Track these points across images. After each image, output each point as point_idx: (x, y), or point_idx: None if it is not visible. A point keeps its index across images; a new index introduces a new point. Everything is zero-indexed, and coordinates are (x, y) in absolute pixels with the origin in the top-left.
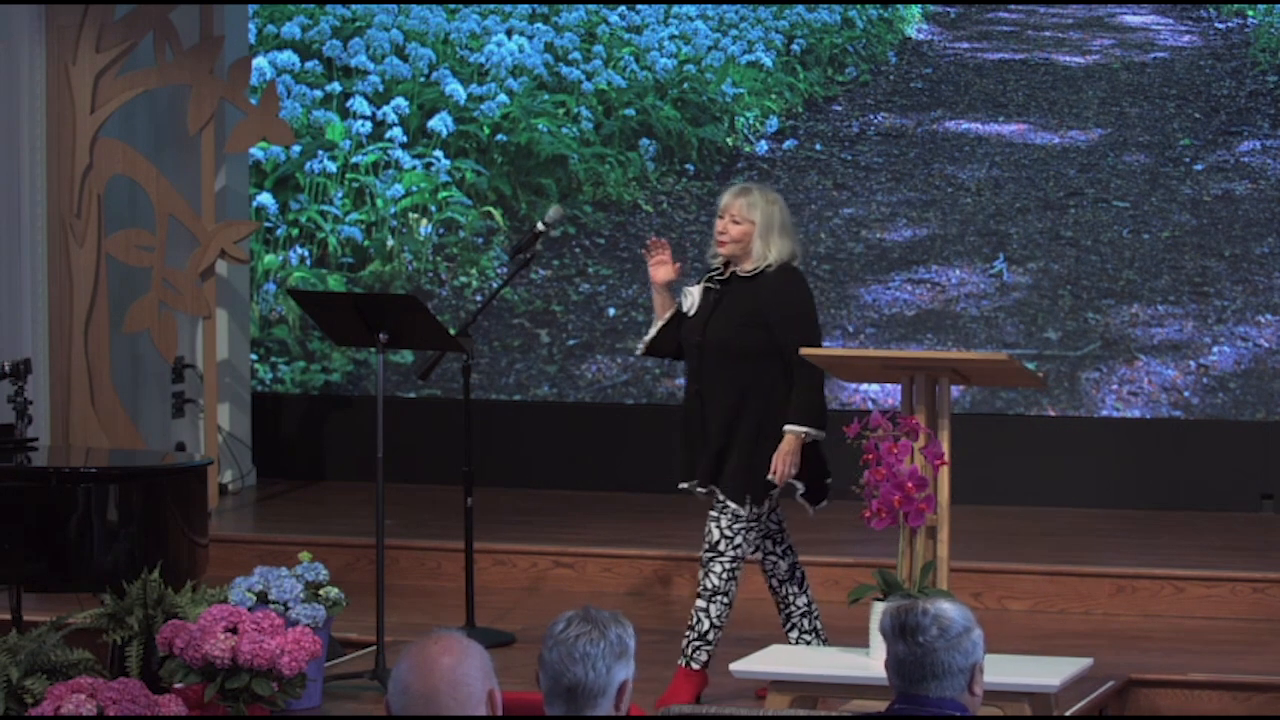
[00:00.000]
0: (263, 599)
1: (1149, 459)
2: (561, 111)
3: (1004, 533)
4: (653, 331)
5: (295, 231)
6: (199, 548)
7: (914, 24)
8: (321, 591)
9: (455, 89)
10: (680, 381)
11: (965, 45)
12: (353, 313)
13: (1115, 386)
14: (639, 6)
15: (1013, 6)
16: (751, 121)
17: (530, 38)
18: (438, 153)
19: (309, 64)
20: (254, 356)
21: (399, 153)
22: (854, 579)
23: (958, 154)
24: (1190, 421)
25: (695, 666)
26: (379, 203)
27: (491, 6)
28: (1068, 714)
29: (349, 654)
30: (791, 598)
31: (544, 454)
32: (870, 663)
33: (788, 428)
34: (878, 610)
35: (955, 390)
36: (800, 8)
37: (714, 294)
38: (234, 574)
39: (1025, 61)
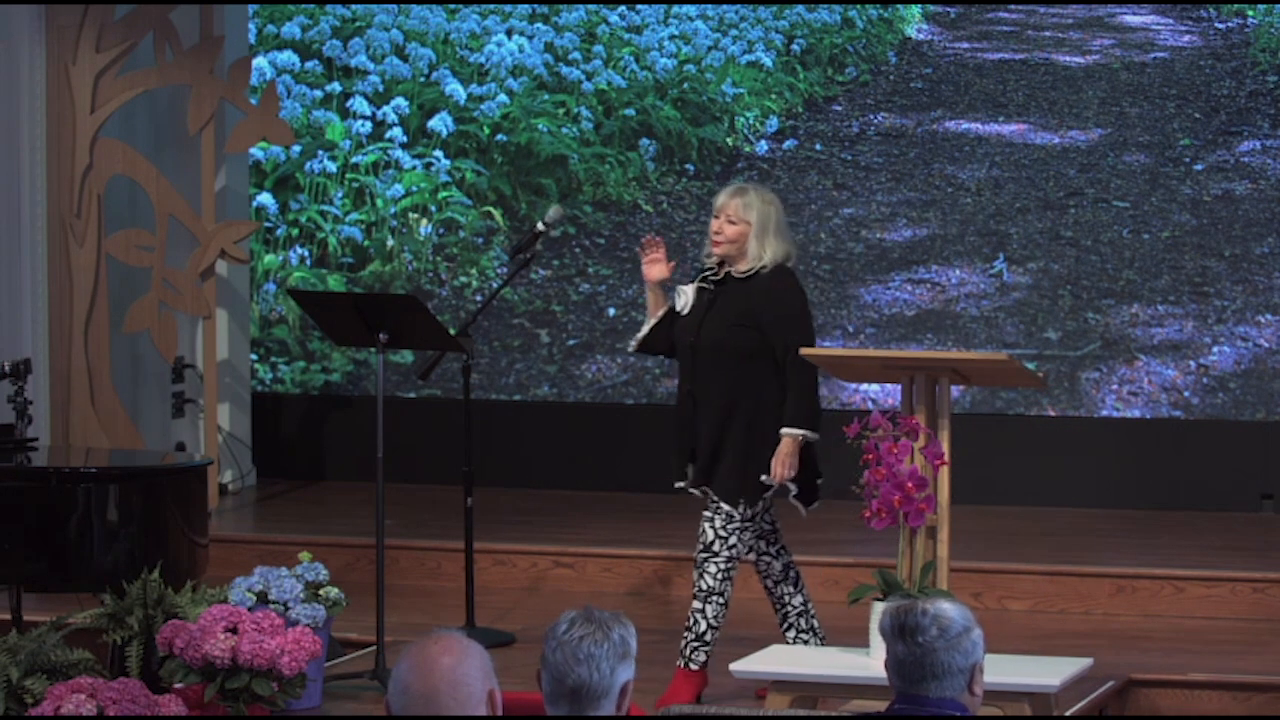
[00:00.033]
0: (263, 599)
1: (1149, 459)
2: (561, 111)
3: (1004, 533)
4: (645, 329)
5: (295, 231)
6: (199, 548)
7: (914, 24)
8: (321, 591)
9: (455, 89)
10: None
11: (965, 45)
12: (353, 313)
13: (1115, 386)
14: (639, 6)
15: (1013, 6)
16: (751, 121)
17: (530, 38)
18: (438, 153)
19: (309, 64)
20: (254, 356)
21: (399, 153)
22: (854, 579)
23: (958, 154)
24: (1190, 421)
25: (694, 667)
26: (379, 203)
27: (491, 6)
28: (1068, 714)
29: (349, 654)
30: (787, 597)
31: (544, 454)
32: (870, 663)
33: (785, 431)
34: (877, 610)
35: (955, 390)
36: (800, 8)
37: (708, 294)
38: (234, 574)
39: (1025, 61)
